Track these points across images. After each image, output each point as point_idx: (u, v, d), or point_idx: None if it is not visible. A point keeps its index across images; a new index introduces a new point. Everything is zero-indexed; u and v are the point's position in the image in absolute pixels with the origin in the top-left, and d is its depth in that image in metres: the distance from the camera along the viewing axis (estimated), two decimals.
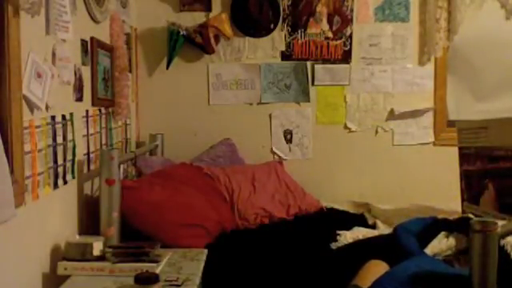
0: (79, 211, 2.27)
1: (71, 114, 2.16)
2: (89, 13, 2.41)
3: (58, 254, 1.99)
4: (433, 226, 2.29)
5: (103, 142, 2.64)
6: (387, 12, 3.54)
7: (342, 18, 3.52)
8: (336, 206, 3.19)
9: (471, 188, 2.70)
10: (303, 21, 3.52)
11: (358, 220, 2.88)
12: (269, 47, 3.51)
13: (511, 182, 2.44)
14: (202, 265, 2.10)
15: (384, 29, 3.55)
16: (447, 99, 3.61)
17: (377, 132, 3.59)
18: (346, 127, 3.58)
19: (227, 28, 3.39)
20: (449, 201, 2.92)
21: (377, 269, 1.86)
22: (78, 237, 2.17)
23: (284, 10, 3.50)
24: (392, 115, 3.58)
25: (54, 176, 1.97)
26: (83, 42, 2.33)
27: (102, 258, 1.99)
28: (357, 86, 3.56)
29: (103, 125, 2.64)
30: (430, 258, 2.01)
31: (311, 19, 3.52)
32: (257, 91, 3.53)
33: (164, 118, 3.48)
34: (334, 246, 2.37)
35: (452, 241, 2.09)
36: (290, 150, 3.57)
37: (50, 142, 1.94)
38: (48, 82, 1.87)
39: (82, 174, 2.28)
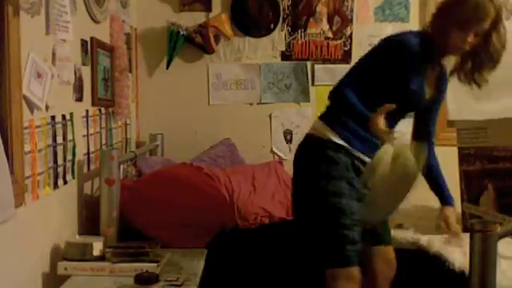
0: (79, 211, 2.27)
1: (71, 114, 2.16)
2: (89, 13, 2.41)
3: (58, 254, 1.99)
4: None
5: (103, 142, 2.64)
6: (387, 12, 3.54)
7: (341, 18, 3.52)
8: None
9: (471, 188, 2.70)
10: (303, 21, 3.51)
11: None
12: (269, 47, 3.51)
13: (511, 182, 2.44)
14: (202, 265, 2.10)
15: (384, 29, 3.53)
16: (447, 99, 3.60)
17: None
18: None
19: (227, 28, 3.39)
20: None
21: None
22: (77, 237, 2.17)
23: (284, 9, 3.49)
24: None
25: (54, 176, 1.97)
26: (83, 42, 2.33)
27: (101, 258, 2.00)
28: None
29: (103, 125, 2.64)
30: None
31: (311, 19, 3.51)
32: (257, 91, 3.53)
33: (164, 117, 3.48)
34: None
35: None
36: (289, 150, 3.56)
37: (50, 141, 1.94)
38: (48, 82, 1.87)
39: (82, 173, 2.28)
